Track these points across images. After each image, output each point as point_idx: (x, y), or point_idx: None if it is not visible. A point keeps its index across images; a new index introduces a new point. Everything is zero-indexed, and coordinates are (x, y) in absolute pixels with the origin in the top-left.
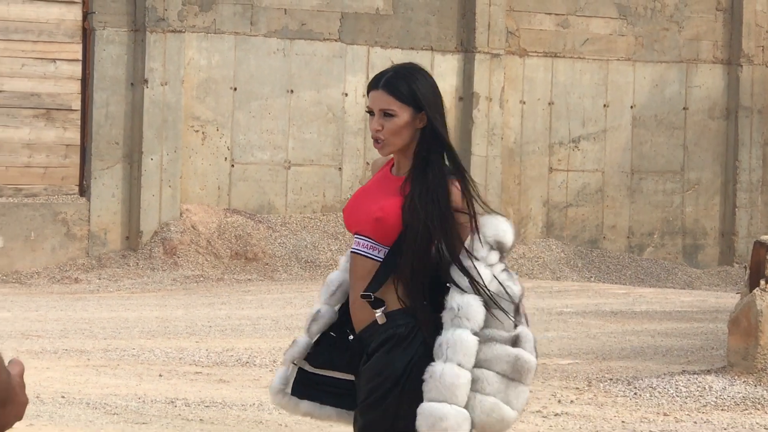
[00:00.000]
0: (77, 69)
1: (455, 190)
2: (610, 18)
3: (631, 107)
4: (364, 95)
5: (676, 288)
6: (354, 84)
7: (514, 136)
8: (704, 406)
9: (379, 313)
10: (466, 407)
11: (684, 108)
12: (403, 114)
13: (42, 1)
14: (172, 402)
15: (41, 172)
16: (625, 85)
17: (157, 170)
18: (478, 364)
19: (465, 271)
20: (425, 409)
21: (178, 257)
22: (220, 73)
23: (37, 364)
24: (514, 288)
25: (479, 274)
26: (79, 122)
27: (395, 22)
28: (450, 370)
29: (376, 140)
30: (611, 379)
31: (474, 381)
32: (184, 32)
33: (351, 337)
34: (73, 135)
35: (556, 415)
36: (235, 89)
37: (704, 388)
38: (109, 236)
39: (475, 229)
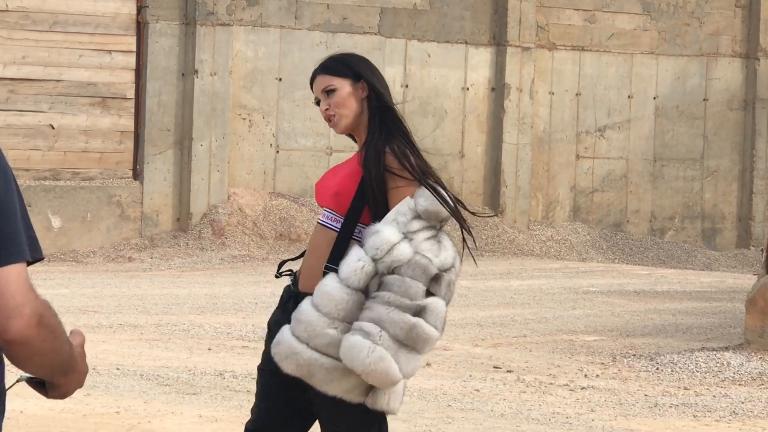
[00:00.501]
0: (131, 60)
1: (389, 156)
2: (634, 14)
3: (654, 98)
4: (402, 85)
5: (696, 269)
6: (392, 75)
7: (543, 125)
8: (722, 380)
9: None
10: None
11: (704, 99)
12: (344, 85)
13: None
14: (221, 374)
15: (97, 157)
16: (649, 77)
17: (206, 156)
18: (372, 320)
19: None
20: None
21: (226, 238)
22: (266, 64)
23: (94, 337)
24: (434, 259)
25: (385, 239)
26: (133, 110)
27: (431, 17)
28: (305, 305)
29: (328, 120)
30: (634, 355)
31: (368, 333)
32: (232, 26)
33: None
34: (128, 122)
35: (583, 388)
36: (280, 80)
37: (722, 363)
38: (160, 218)
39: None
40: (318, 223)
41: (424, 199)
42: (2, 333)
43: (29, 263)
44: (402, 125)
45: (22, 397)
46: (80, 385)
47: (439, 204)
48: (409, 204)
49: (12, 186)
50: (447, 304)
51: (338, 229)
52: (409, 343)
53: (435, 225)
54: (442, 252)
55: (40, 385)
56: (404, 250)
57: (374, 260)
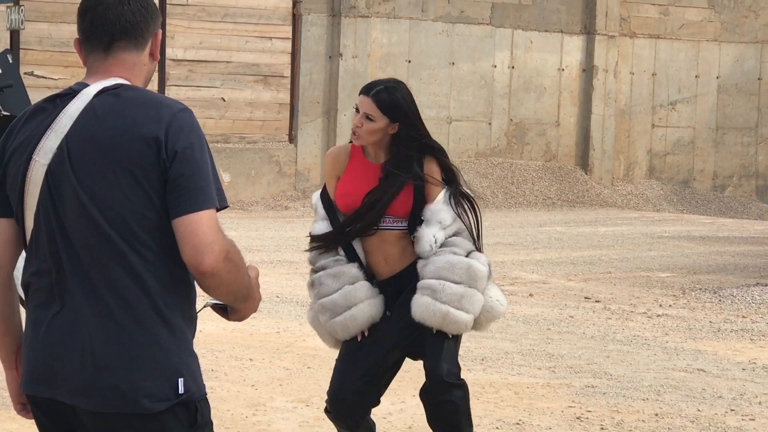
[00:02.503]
0: (288, 45)
1: (432, 165)
2: (701, 8)
3: (717, 78)
4: (509, 67)
5: (751, 219)
6: (501, 58)
7: (624, 100)
8: None
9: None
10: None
11: (758, 78)
12: (381, 121)
13: None
14: None
15: (260, 124)
16: (713, 60)
17: (348, 123)
18: (435, 275)
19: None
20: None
21: None
22: (398, 49)
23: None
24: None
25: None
26: (289, 86)
27: (533, 10)
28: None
29: (354, 132)
30: (700, 289)
31: (434, 290)
32: (370, 17)
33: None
34: (284, 96)
35: (658, 316)
36: (409, 62)
37: None
38: (311, 174)
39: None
40: (382, 229)
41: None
42: (197, 266)
43: (217, 210)
44: (417, 144)
45: (202, 320)
46: (255, 310)
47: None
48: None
49: (205, 149)
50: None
51: (407, 228)
52: (470, 282)
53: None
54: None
55: (223, 310)
56: (459, 224)
57: (443, 229)
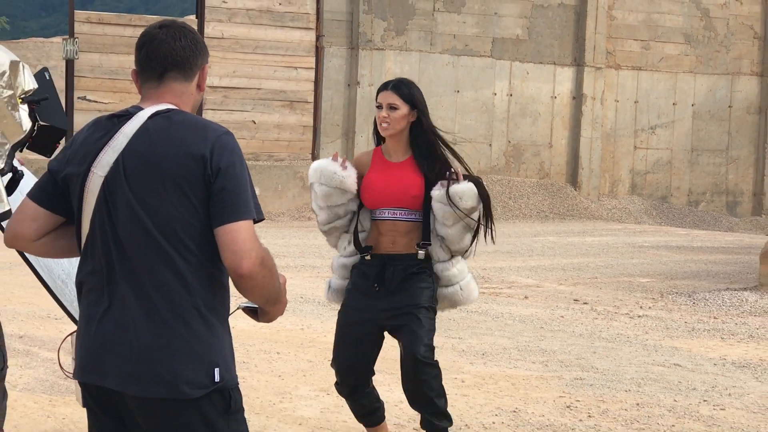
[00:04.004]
0: (311, 74)
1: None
2: (678, 43)
3: (692, 105)
4: (508, 95)
5: (721, 231)
6: (500, 87)
7: (610, 124)
8: (742, 312)
9: (422, 252)
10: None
11: (729, 106)
12: (403, 108)
13: (288, 28)
14: None
15: (286, 144)
16: (688, 90)
17: (364, 144)
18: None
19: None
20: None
21: None
22: (409, 77)
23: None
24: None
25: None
26: (312, 110)
27: (529, 44)
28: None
29: (381, 124)
30: (676, 293)
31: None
32: (384, 50)
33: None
34: (308, 119)
35: (639, 316)
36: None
37: (742, 300)
38: None
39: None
40: (395, 219)
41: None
42: (236, 269)
43: (255, 222)
44: (431, 137)
45: (235, 319)
46: (281, 313)
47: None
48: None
49: (245, 167)
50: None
51: (421, 219)
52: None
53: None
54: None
55: (253, 312)
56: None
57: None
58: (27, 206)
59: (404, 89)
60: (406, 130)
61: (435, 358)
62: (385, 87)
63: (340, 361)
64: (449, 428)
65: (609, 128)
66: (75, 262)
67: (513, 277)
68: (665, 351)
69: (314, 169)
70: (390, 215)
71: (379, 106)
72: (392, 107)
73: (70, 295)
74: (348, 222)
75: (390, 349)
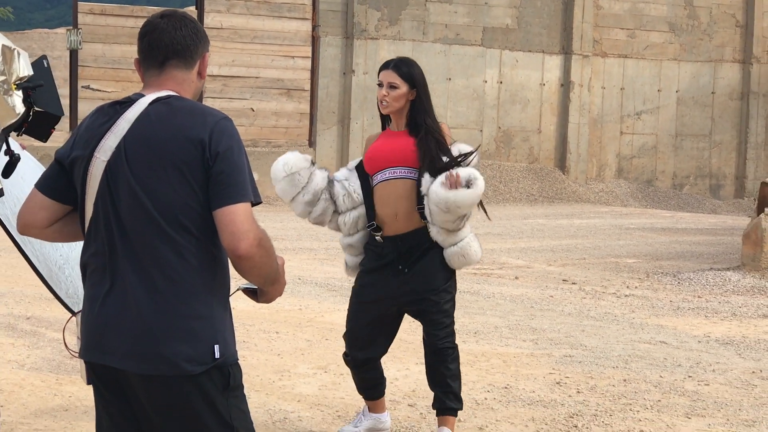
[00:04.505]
0: (308, 63)
1: (445, 126)
2: (663, 32)
3: (676, 92)
4: (498, 82)
5: (705, 213)
6: (491, 75)
7: (597, 111)
8: (725, 291)
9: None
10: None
11: (712, 92)
12: (403, 87)
13: (285, 18)
14: None
15: (284, 131)
16: (673, 76)
17: (359, 131)
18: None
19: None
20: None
21: None
22: None
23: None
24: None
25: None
26: (309, 98)
27: (519, 33)
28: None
29: (381, 102)
30: (662, 273)
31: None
32: (378, 39)
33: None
34: (305, 107)
35: (626, 296)
36: None
37: (725, 279)
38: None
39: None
40: (397, 178)
41: (462, 143)
42: (234, 250)
43: (253, 204)
44: (429, 116)
45: (235, 300)
46: (280, 294)
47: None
48: (455, 148)
49: (242, 152)
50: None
51: (416, 178)
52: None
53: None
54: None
55: (252, 293)
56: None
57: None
58: (35, 196)
59: (404, 68)
60: (406, 108)
61: (455, 342)
62: (386, 66)
63: (352, 335)
64: (458, 411)
65: (596, 114)
66: (74, 245)
67: (504, 258)
68: (651, 329)
69: (272, 179)
70: (390, 174)
71: (380, 84)
72: (392, 86)
73: (66, 282)
74: (327, 202)
75: None
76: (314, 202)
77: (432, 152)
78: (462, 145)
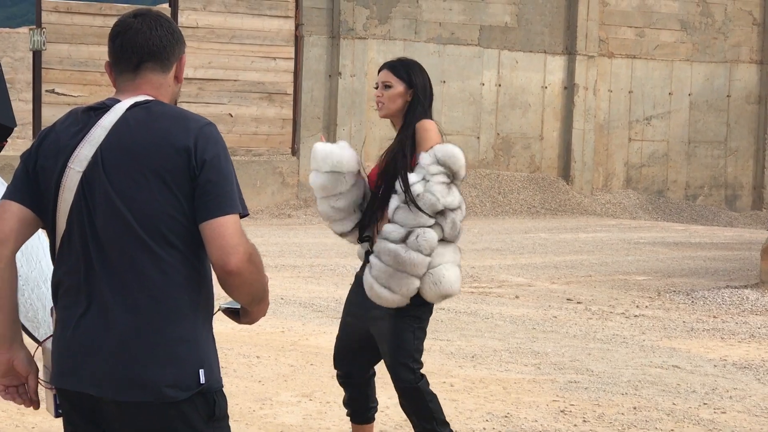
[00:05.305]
0: (290, 65)
1: (428, 124)
2: (674, 30)
3: (689, 95)
4: (496, 85)
5: (720, 226)
6: (488, 77)
7: (603, 116)
8: (742, 311)
9: None
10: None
11: (727, 96)
12: (398, 87)
13: (266, 16)
14: None
15: (264, 138)
16: (685, 78)
17: (347, 138)
18: (377, 252)
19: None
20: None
21: None
22: None
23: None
24: (441, 199)
25: (407, 178)
26: (291, 103)
27: (519, 32)
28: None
29: (377, 103)
30: (674, 291)
31: (372, 265)
32: (367, 39)
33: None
34: (287, 112)
35: (636, 316)
36: None
37: (743, 298)
38: None
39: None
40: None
41: (440, 147)
42: (223, 266)
43: (241, 217)
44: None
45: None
46: (264, 314)
47: (457, 157)
48: (430, 153)
49: (229, 160)
50: (453, 240)
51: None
52: (399, 267)
53: (449, 174)
54: (450, 195)
55: (234, 313)
56: (417, 188)
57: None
58: (9, 207)
59: (400, 68)
60: (403, 110)
61: (415, 373)
62: (383, 66)
63: (335, 348)
64: None
65: (602, 119)
66: (34, 265)
67: (503, 275)
68: (663, 352)
69: (312, 157)
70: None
71: (377, 86)
72: (386, 85)
73: (24, 305)
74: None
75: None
76: (343, 211)
77: (390, 173)
78: (444, 148)
